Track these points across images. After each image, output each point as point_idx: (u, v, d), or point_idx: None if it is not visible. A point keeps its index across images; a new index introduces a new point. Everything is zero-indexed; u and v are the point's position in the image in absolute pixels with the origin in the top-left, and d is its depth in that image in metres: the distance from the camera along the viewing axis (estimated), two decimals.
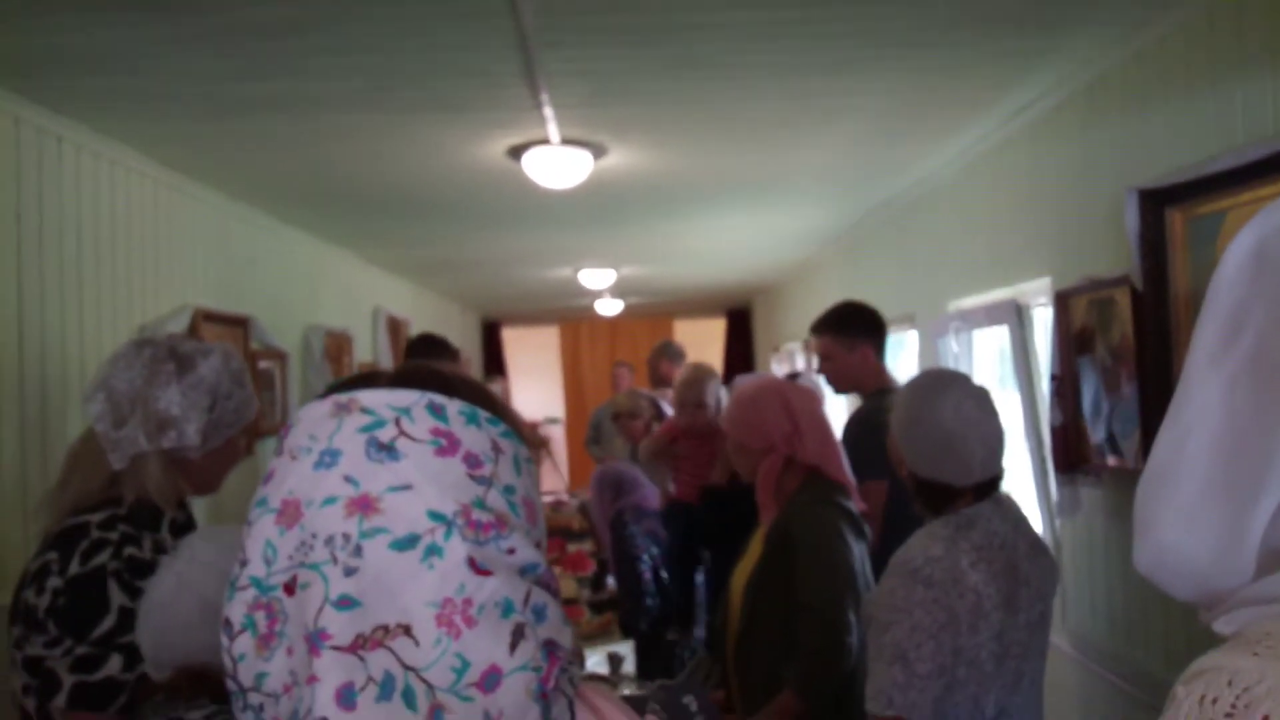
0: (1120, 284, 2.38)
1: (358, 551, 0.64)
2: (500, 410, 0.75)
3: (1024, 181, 3.16)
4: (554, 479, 10.73)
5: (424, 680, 0.63)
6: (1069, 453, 2.69)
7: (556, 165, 3.23)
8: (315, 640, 0.63)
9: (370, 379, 0.73)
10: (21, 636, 1.51)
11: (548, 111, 2.84)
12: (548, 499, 7.72)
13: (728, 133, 3.22)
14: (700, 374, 3.36)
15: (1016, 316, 3.16)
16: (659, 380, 5.57)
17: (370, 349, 5.73)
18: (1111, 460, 2.48)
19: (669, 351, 5.70)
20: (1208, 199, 2.07)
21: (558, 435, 10.97)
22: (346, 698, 0.62)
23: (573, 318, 10.95)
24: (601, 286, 7.68)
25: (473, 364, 8.78)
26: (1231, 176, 1.97)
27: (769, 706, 2.10)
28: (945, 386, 1.82)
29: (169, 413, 1.59)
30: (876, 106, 2.97)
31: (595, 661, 3.22)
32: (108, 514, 1.56)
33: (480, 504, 0.68)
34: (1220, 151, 2.02)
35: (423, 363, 0.79)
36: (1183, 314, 2.18)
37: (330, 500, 0.65)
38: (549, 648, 0.68)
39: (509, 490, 0.70)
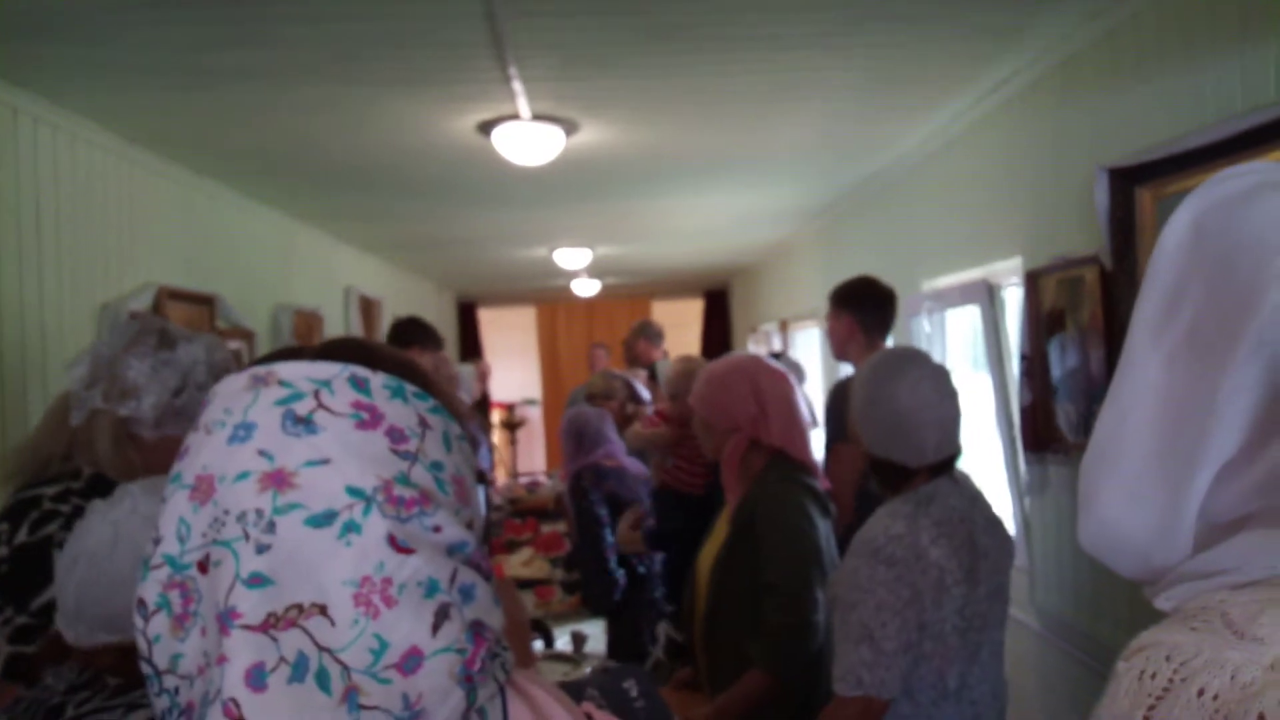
0: (1090, 263, 2.38)
1: (271, 528, 0.62)
2: (430, 385, 0.73)
3: (998, 160, 3.16)
4: (531, 459, 10.72)
5: (339, 661, 0.61)
6: (1038, 432, 2.70)
7: (527, 141, 3.19)
8: (225, 619, 0.61)
9: (293, 352, 0.71)
10: None
11: (517, 85, 2.79)
12: (524, 480, 7.70)
13: (702, 108, 3.19)
14: (694, 366, 3.36)
15: (988, 296, 3.16)
16: (635, 360, 5.54)
17: (342, 328, 5.67)
18: (1080, 439, 2.49)
19: (647, 331, 5.67)
20: (1177, 178, 2.07)
21: (535, 416, 10.95)
22: (256, 678, 0.60)
23: (550, 298, 10.90)
24: (578, 266, 7.64)
25: (449, 345, 8.72)
26: (1200, 155, 1.96)
27: (737, 685, 2.10)
28: (903, 367, 1.82)
29: (133, 381, 1.61)
30: (851, 82, 2.95)
31: (563, 643, 3.21)
32: (62, 487, 1.58)
33: (404, 479, 0.65)
34: (1190, 130, 2.02)
35: (350, 336, 0.76)
36: None
37: (243, 475, 0.63)
38: (475, 629, 0.66)
39: (436, 466, 0.68)
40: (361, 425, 0.66)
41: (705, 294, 10.76)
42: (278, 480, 0.63)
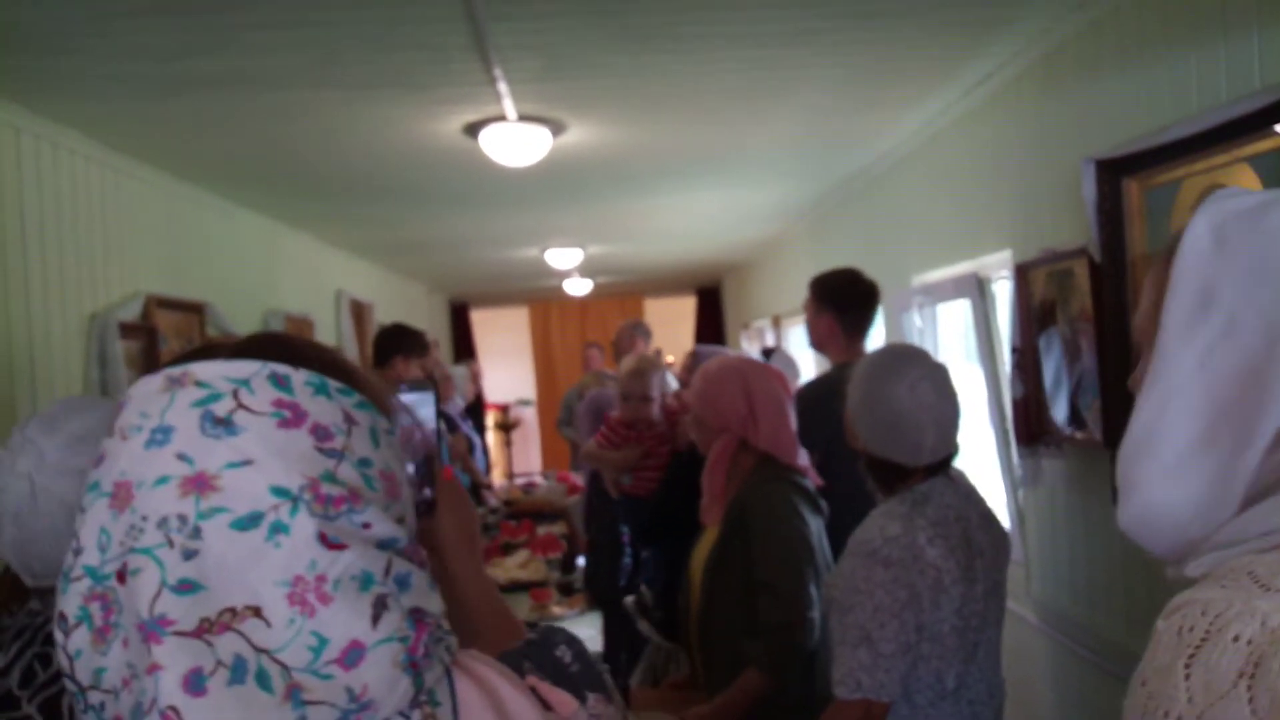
0: (1078, 255, 2.38)
1: (196, 533, 0.61)
2: (356, 380, 0.71)
3: (985, 154, 3.15)
4: (526, 459, 10.71)
5: (278, 662, 0.60)
6: (1030, 425, 2.70)
7: (514, 143, 3.18)
8: (153, 627, 0.59)
9: (210, 351, 0.69)
10: None
11: (502, 87, 2.78)
12: (520, 481, 7.69)
13: (687, 106, 3.18)
14: (645, 365, 3.28)
15: (978, 290, 3.16)
16: (623, 358, 5.54)
17: (333, 333, 5.66)
18: (1072, 431, 2.49)
19: (638, 330, 5.66)
20: (1164, 168, 2.07)
21: (529, 416, 10.94)
22: (195, 683, 0.59)
23: (542, 298, 10.89)
24: (569, 266, 7.63)
25: (441, 347, 8.71)
26: (1187, 145, 1.96)
27: (734, 684, 2.10)
28: (902, 365, 1.80)
29: None
30: (836, 78, 2.94)
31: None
32: None
33: (330, 478, 0.64)
34: (1175, 120, 2.02)
35: (270, 331, 0.74)
36: (1141, 284, 2.18)
37: (163, 480, 0.62)
38: (416, 616, 0.66)
39: (364, 463, 0.67)
40: (284, 424, 0.64)
41: (697, 291, 10.75)
42: (199, 484, 0.62)
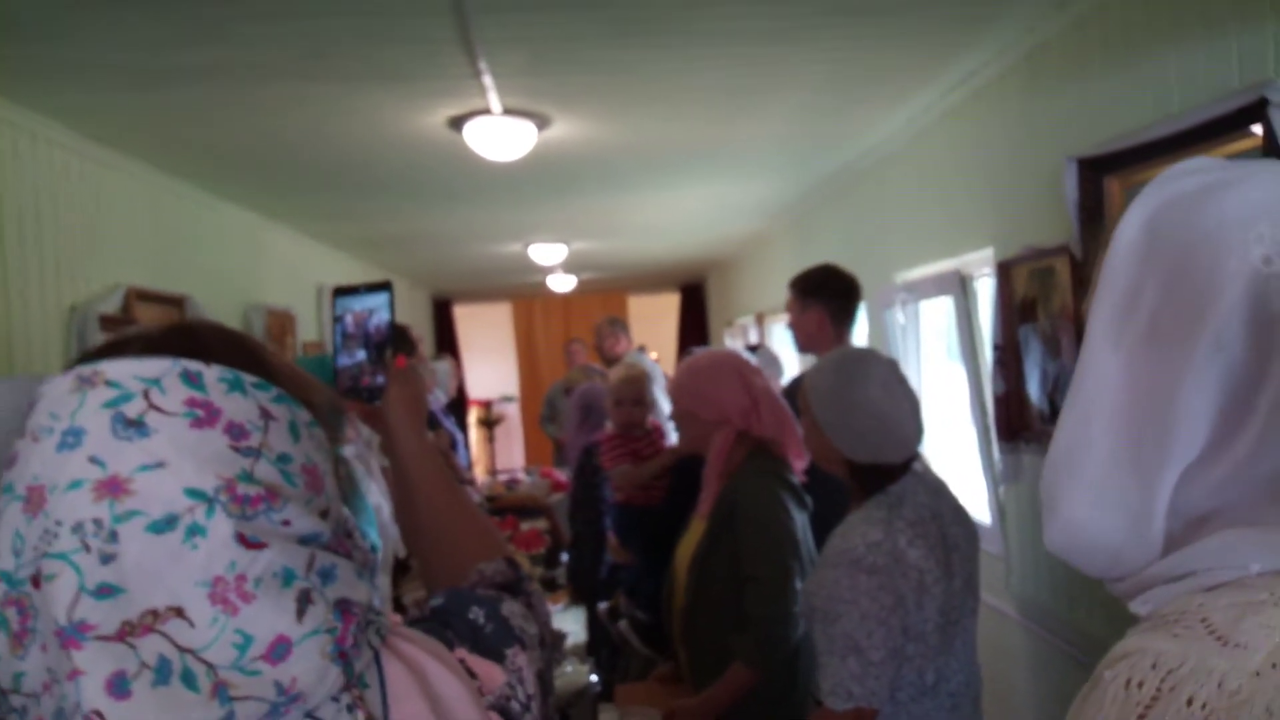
0: (1060, 253, 2.40)
1: (113, 537, 0.60)
2: (273, 373, 0.71)
3: (968, 151, 3.17)
4: (509, 456, 10.69)
5: (203, 660, 0.60)
6: (1012, 421, 2.72)
7: (499, 136, 3.17)
8: (72, 633, 0.59)
9: (120, 346, 0.68)
10: None
11: (487, 80, 2.78)
12: (503, 477, 7.67)
13: (673, 102, 3.18)
14: (638, 372, 3.32)
15: (960, 287, 3.18)
16: (602, 355, 5.57)
17: (315, 327, 5.62)
18: (1053, 428, 2.51)
19: (616, 327, 5.68)
20: (1145, 166, 2.09)
21: (513, 413, 10.91)
22: (118, 687, 0.59)
23: (525, 294, 10.86)
24: (553, 262, 7.62)
25: (424, 342, 8.68)
26: (1168, 144, 1.98)
27: (721, 679, 2.11)
28: (864, 367, 1.79)
29: None
30: (821, 75, 2.95)
31: None
32: None
33: (247, 477, 0.64)
34: (1156, 119, 2.04)
35: (182, 323, 0.73)
36: None
37: (76, 484, 0.61)
38: (342, 607, 0.66)
39: (283, 459, 0.67)
40: (197, 424, 0.64)
41: (681, 288, 10.76)
42: (113, 488, 0.61)
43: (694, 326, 10.52)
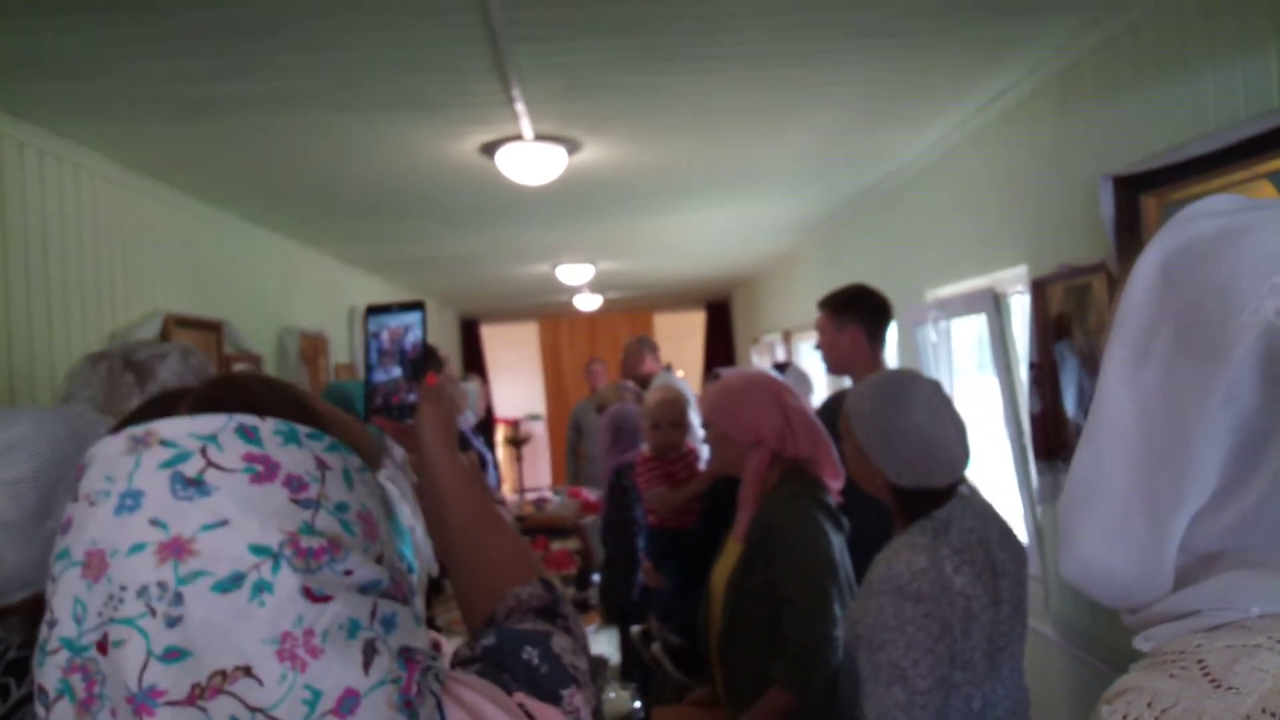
0: (1097, 271, 2.39)
1: (178, 599, 0.60)
2: (322, 421, 0.71)
3: (1000, 169, 3.16)
4: (536, 475, 10.71)
5: (274, 718, 0.60)
6: (1049, 439, 2.70)
7: (530, 162, 3.20)
8: (144, 699, 0.59)
9: (168, 404, 0.68)
10: None
11: (520, 107, 2.81)
12: (531, 496, 7.68)
13: (702, 124, 3.20)
14: (675, 394, 3.33)
15: (994, 304, 3.16)
16: (632, 375, 5.53)
17: (347, 350, 5.68)
18: None
19: (644, 345, 5.66)
20: (1182, 185, 2.08)
21: (539, 431, 10.93)
22: None
23: (552, 314, 10.91)
24: (580, 282, 7.65)
25: (452, 362, 8.73)
26: (1204, 162, 1.97)
27: (759, 704, 2.09)
28: (908, 391, 1.76)
29: None
30: (851, 95, 2.96)
31: None
32: None
33: (308, 529, 0.64)
34: (1193, 137, 2.03)
35: (229, 376, 0.73)
36: None
37: (138, 548, 0.61)
38: (405, 655, 0.66)
39: (341, 508, 0.67)
40: (257, 479, 0.63)
41: (707, 306, 10.76)
42: (176, 549, 0.60)
43: (720, 344, 10.51)
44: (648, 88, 2.74)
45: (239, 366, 3.88)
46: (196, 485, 0.62)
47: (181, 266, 3.63)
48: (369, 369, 1.00)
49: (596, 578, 4.17)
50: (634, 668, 3.29)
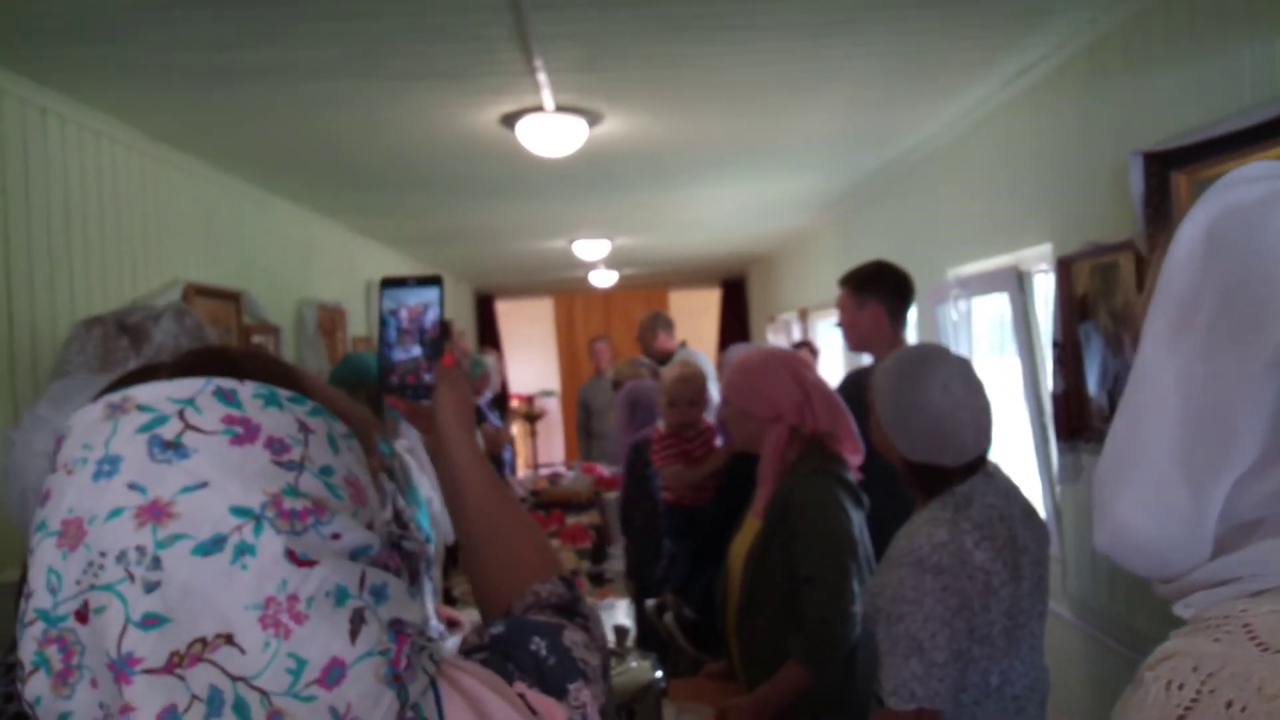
0: (1124, 249, 2.36)
1: (156, 564, 0.58)
2: (306, 386, 0.69)
3: (1025, 145, 3.12)
4: (549, 451, 10.75)
5: (256, 688, 0.58)
6: (1071, 419, 2.68)
7: (551, 133, 3.18)
8: (122, 667, 0.57)
9: (147, 373, 0.67)
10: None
11: (541, 77, 2.78)
12: (545, 472, 7.71)
13: (724, 97, 3.17)
14: (693, 371, 3.30)
15: (1017, 283, 3.13)
16: (649, 352, 5.51)
17: (364, 323, 5.69)
18: None
19: (659, 322, 5.63)
20: (1214, 161, 2.04)
21: (553, 407, 10.96)
22: None
23: (567, 289, 10.90)
24: (596, 258, 7.64)
25: (467, 337, 8.75)
26: (1238, 138, 1.93)
27: (774, 678, 2.09)
28: (930, 367, 1.76)
29: None
30: (875, 68, 2.92)
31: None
32: None
33: (292, 491, 0.62)
34: (1226, 113, 1.99)
35: (207, 346, 0.72)
36: None
37: (116, 512, 0.59)
38: (395, 627, 0.64)
39: (326, 471, 0.65)
40: (237, 440, 0.62)
41: (722, 283, 10.73)
42: (155, 513, 0.59)
43: (735, 322, 10.49)
44: (669, 58, 2.72)
45: (257, 338, 3.89)
46: (175, 448, 0.61)
47: (201, 236, 3.64)
48: (386, 345, 0.97)
49: (614, 551, 4.19)
50: (649, 641, 3.30)
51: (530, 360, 11.10)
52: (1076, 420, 2.66)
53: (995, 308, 3.61)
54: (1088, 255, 2.54)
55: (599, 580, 3.87)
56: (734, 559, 2.32)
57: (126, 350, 1.53)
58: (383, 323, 0.98)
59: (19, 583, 1.42)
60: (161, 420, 0.62)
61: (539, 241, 6.83)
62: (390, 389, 0.96)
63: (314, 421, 0.66)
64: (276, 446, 0.63)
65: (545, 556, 0.92)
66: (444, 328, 0.99)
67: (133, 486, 0.60)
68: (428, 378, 0.96)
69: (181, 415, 0.62)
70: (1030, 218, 3.07)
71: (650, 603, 3.12)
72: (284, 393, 0.66)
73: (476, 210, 5.31)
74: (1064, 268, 2.66)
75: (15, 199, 2.51)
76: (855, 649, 2.11)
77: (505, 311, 10.98)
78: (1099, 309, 2.51)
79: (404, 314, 0.97)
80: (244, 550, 0.59)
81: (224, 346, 0.72)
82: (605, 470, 5.73)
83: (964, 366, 1.80)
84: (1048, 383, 2.85)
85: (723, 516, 2.65)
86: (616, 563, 4.03)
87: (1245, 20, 1.99)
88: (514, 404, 10.09)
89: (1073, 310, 2.63)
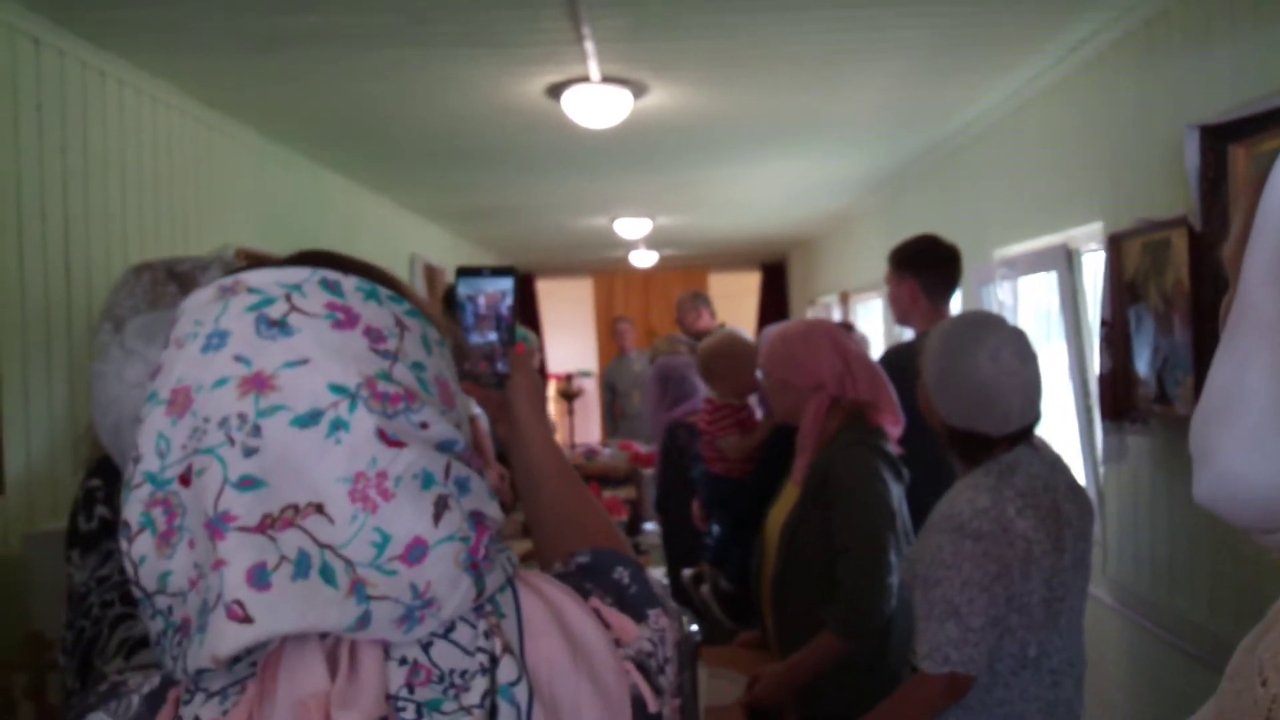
0: (1178, 225, 2.31)
1: (256, 431, 0.61)
2: (405, 291, 0.72)
3: (1078, 122, 3.07)
4: (586, 430, 10.80)
5: (342, 557, 0.60)
6: (1117, 400, 2.64)
7: (596, 104, 3.19)
8: (218, 523, 0.60)
9: (258, 265, 0.69)
10: (76, 564, 1.52)
11: (589, 46, 2.79)
12: (581, 449, 7.76)
13: (771, 70, 3.15)
14: (731, 344, 3.30)
15: (1066, 262, 3.09)
16: (686, 330, 5.49)
17: None
18: (1160, 408, 2.43)
19: (699, 301, 5.61)
20: (1274, 134, 2.00)
21: (590, 387, 11.00)
22: (259, 577, 0.59)
23: (607, 270, 10.91)
24: (637, 237, 7.64)
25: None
26: None
27: (808, 647, 2.10)
28: (981, 333, 1.75)
29: None
30: (926, 41, 2.89)
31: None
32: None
33: (386, 376, 0.64)
34: None
35: (317, 249, 0.74)
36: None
37: (221, 382, 0.62)
38: (476, 518, 0.66)
39: (418, 366, 0.67)
40: (338, 325, 0.65)
41: (762, 266, 10.67)
42: (258, 384, 0.62)
43: (774, 306, 10.43)
44: (718, 28, 2.70)
45: None
46: (280, 326, 0.64)
47: (251, 203, 3.70)
48: (464, 330, 0.98)
49: (649, 526, 4.20)
50: (684, 610, 3.32)
51: (569, 340, 11.13)
52: (1123, 401, 2.62)
53: (1043, 292, 3.56)
54: (1140, 232, 2.50)
55: (635, 551, 3.90)
56: (771, 528, 2.32)
57: (175, 296, 1.54)
58: (460, 307, 0.99)
59: (68, 528, 1.47)
60: (269, 301, 0.64)
61: (580, 219, 6.85)
62: (464, 375, 0.96)
63: (410, 321, 0.69)
64: (374, 335, 0.65)
65: (615, 540, 0.93)
66: (514, 318, 1.00)
67: (238, 359, 0.62)
68: (501, 366, 0.97)
69: (288, 298, 0.65)
70: (1080, 196, 3.02)
71: (687, 573, 3.14)
72: (384, 290, 0.69)
73: (519, 185, 5.34)
74: (1114, 245, 2.62)
75: (74, 159, 2.57)
76: (890, 620, 2.10)
77: (545, 291, 11.02)
78: (1149, 287, 2.47)
79: (482, 300, 0.98)
80: (339, 426, 0.61)
81: (331, 250, 0.74)
82: (641, 448, 5.75)
83: (1018, 336, 1.78)
84: (1094, 363, 2.81)
85: (763, 488, 2.65)
86: (652, 536, 4.05)
87: None
88: (553, 383, 10.15)
89: (1122, 288, 2.59)
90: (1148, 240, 2.46)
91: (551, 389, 10.17)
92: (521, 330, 1.02)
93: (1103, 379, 2.68)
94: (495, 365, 0.97)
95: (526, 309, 10.61)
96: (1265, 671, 0.62)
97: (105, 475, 1.55)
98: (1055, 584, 1.69)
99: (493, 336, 0.98)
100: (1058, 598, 1.70)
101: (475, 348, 0.97)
